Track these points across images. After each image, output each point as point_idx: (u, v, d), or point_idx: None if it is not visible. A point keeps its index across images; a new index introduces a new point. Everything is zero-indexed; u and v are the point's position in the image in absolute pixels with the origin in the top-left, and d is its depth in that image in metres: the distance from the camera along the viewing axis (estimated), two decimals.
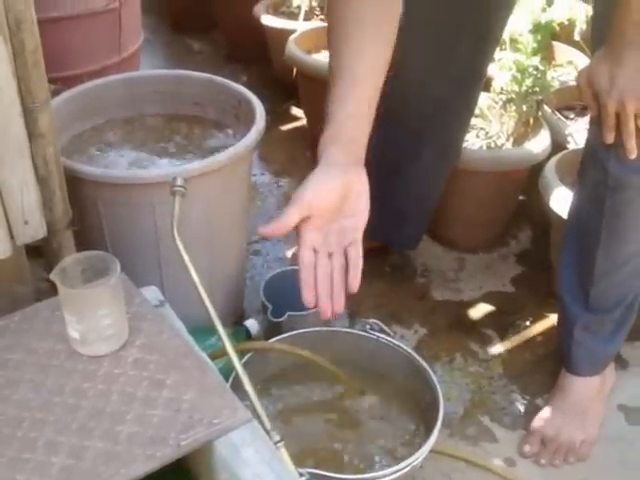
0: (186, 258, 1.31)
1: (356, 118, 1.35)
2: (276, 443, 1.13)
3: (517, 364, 2.17)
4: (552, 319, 2.29)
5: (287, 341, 1.76)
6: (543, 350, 2.21)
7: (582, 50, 2.88)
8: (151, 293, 1.41)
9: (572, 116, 2.67)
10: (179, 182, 1.46)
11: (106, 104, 2.07)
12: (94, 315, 1.18)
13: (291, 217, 1.27)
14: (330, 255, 1.33)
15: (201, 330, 1.55)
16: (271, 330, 1.95)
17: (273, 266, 2.41)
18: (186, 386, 1.15)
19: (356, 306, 2.29)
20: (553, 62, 2.81)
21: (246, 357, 1.66)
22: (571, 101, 2.68)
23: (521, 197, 2.63)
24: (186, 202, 1.63)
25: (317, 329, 1.83)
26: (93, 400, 1.13)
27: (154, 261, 1.81)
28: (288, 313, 1.93)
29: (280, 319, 1.93)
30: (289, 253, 2.49)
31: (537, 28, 2.28)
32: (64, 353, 1.21)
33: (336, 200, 1.29)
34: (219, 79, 2.11)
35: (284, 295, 2.03)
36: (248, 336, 1.95)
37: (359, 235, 1.33)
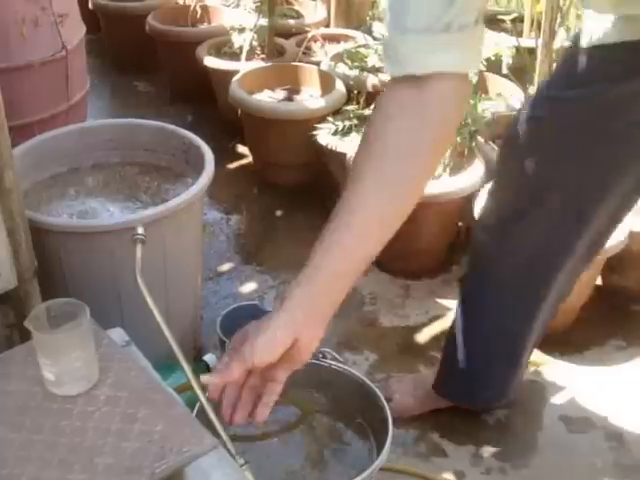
0: (150, 302, 1.40)
1: (336, 275, 1.23)
2: (241, 466, 1.23)
3: None
4: None
5: None
6: None
7: (511, 81, 3.04)
8: (117, 334, 1.50)
9: None
10: (140, 231, 1.56)
11: (60, 154, 2.15)
12: (68, 358, 1.27)
13: (233, 373, 1.18)
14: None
15: (164, 366, 1.64)
16: None
17: (228, 302, 2.50)
18: (156, 419, 1.25)
19: None
20: (484, 95, 2.96)
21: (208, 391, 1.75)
22: (502, 130, 2.83)
23: (460, 223, 2.76)
24: (143, 245, 1.72)
25: None
26: (71, 436, 1.22)
27: (115, 303, 1.90)
28: None
29: None
30: (242, 289, 2.59)
31: None
32: (40, 395, 1.30)
33: (280, 355, 1.18)
34: (169, 126, 2.21)
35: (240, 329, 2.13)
36: (208, 370, 2.04)
37: (285, 376, 1.24)
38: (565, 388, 2.28)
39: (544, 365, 2.35)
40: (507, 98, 3.02)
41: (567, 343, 2.40)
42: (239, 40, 3.46)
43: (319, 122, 2.89)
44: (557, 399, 2.24)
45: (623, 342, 2.46)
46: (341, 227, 1.20)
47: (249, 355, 1.15)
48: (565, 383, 2.30)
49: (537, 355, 2.37)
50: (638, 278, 2.55)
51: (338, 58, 3.29)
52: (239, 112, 3.14)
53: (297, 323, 1.18)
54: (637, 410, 2.20)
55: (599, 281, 2.55)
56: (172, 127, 2.20)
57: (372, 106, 2.86)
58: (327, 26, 3.96)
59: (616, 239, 2.25)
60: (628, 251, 2.32)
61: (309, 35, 3.64)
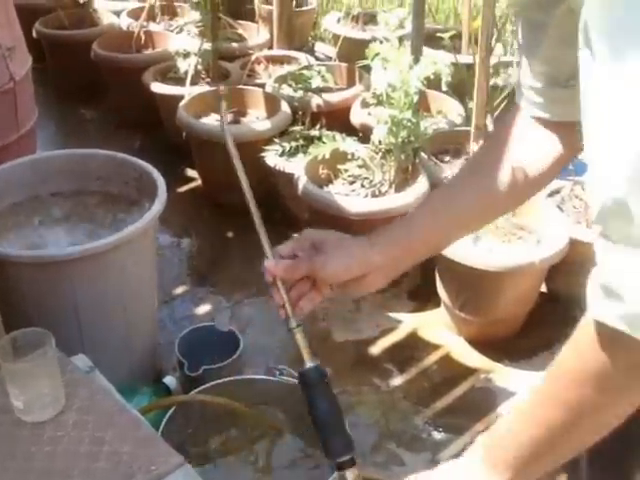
0: (233, 152, 1.24)
1: (416, 253, 1.27)
2: (295, 327, 1.21)
3: (417, 393, 2.36)
4: (445, 349, 2.51)
5: (206, 392, 1.88)
6: (439, 378, 2.41)
7: (451, 97, 3.14)
8: (80, 361, 1.55)
9: (447, 159, 2.90)
10: (223, 88, 1.57)
11: (14, 185, 2.19)
12: (35, 386, 1.31)
13: (297, 274, 1.19)
14: None
15: (126, 389, 1.68)
16: (189, 384, 2.08)
17: (184, 324, 2.53)
18: (123, 440, 1.30)
19: (265, 354, 2.46)
20: (426, 113, 3.05)
21: (170, 412, 1.79)
22: (445, 145, 2.92)
23: None
24: (101, 272, 1.77)
25: (232, 379, 1.96)
26: (42, 461, 1.26)
27: (76, 330, 1.93)
28: (203, 367, 2.07)
29: (196, 373, 2.07)
30: (197, 310, 2.64)
31: (406, 85, 2.48)
32: (10, 422, 1.34)
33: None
34: (120, 155, 2.25)
35: (198, 350, 2.18)
36: (168, 392, 2.08)
37: (329, 294, 1.23)
38: (515, 394, 2.35)
39: (494, 372, 2.43)
40: (447, 114, 3.12)
41: (515, 350, 2.49)
42: (184, 65, 3.49)
43: (266, 143, 2.95)
44: (508, 405, 2.31)
45: None
46: (426, 219, 1.26)
47: (318, 269, 1.18)
48: (515, 389, 2.37)
49: (487, 362, 2.46)
50: (580, 284, 2.63)
51: (282, 80, 3.35)
52: (185, 136, 3.17)
53: (373, 265, 1.20)
54: None
55: (544, 288, 2.64)
56: (123, 156, 2.25)
57: (317, 126, 2.96)
58: (270, 48, 4.03)
59: (558, 248, 2.35)
60: (570, 258, 2.41)
61: (253, 57, 3.70)
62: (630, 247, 0.79)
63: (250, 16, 4.26)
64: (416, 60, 2.57)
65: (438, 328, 2.60)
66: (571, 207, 2.66)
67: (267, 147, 2.92)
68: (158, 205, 2.01)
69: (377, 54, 2.55)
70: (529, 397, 1.01)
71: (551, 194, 2.71)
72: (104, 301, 1.80)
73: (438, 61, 2.56)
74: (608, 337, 0.85)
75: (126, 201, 2.20)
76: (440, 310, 2.62)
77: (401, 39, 2.82)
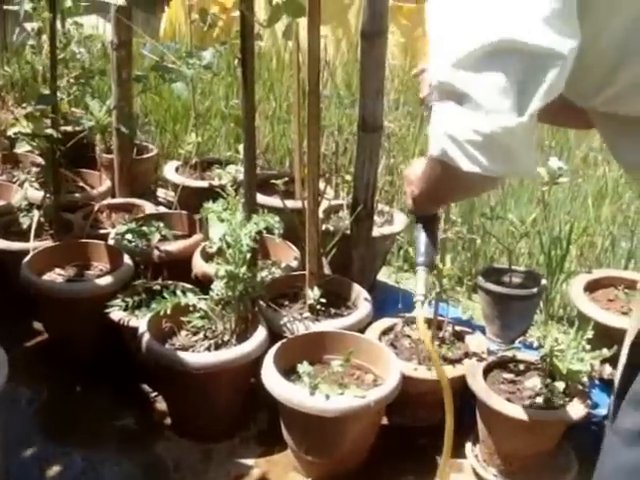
0: None
1: None
2: None
3: None
4: None
5: None
6: None
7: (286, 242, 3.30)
8: None
9: (286, 303, 3.03)
10: None
11: None
12: None
13: None
14: None
15: None
16: None
17: None
18: None
19: None
20: (262, 261, 3.18)
21: None
22: (282, 290, 3.06)
23: (252, 380, 2.89)
24: None
25: None
26: None
27: None
28: None
29: None
30: (49, 472, 2.64)
31: (237, 242, 2.62)
32: None
33: None
34: None
35: None
36: None
37: None
38: None
39: None
40: (284, 259, 3.28)
41: None
42: (26, 220, 3.50)
43: (110, 298, 3.00)
44: None
45: (412, 476, 2.68)
46: None
47: None
48: None
49: None
50: (417, 416, 2.79)
51: (124, 233, 3.41)
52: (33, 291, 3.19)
53: None
54: None
55: (385, 421, 2.77)
56: None
57: (160, 278, 3.05)
58: (113, 196, 4.09)
59: (392, 386, 2.50)
60: (404, 393, 2.57)
61: (96, 207, 3.75)
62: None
63: (92, 164, 4.32)
64: (249, 217, 2.71)
65: (287, 470, 2.68)
66: (403, 344, 2.82)
67: (111, 302, 2.97)
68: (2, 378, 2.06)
69: (212, 212, 2.69)
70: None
71: (384, 332, 2.88)
72: None
73: (269, 217, 2.71)
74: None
75: None
76: (288, 452, 2.71)
77: (237, 189, 2.98)
